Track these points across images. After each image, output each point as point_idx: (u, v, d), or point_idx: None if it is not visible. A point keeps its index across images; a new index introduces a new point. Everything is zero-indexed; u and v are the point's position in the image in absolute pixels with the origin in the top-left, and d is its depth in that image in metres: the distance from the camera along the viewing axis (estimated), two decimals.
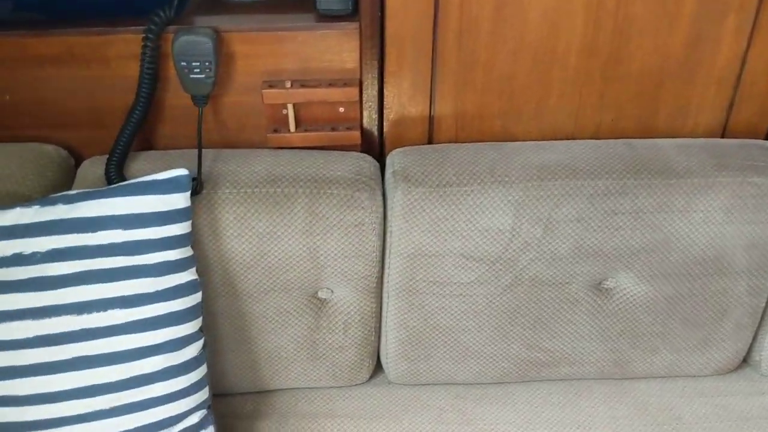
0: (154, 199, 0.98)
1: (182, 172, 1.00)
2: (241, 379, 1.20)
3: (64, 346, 0.94)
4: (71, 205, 0.96)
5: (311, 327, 1.16)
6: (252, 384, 1.21)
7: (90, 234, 0.95)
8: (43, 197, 0.97)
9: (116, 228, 0.96)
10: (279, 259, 1.09)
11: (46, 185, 1.09)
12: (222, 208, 1.06)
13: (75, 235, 0.95)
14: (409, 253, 1.10)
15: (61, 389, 0.95)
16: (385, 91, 1.14)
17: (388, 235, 1.11)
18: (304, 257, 1.09)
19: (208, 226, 1.06)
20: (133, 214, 0.97)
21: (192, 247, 1.03)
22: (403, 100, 1.15)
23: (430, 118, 1.17)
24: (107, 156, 1.08)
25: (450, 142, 1.20)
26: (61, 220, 0.95)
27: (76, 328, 0.94)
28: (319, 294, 1.14)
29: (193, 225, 1.05)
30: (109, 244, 0.96)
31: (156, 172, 1.06)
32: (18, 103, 1.12)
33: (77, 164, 1.16)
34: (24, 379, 0.94)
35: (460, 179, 1.10)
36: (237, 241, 1.07)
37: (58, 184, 1.11)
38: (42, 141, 1.16)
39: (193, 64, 1.05)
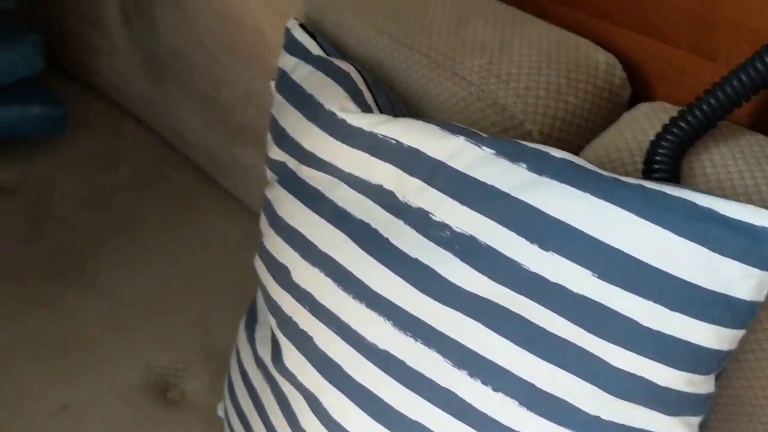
0: (690, 249, 0.42)
1: None
2: None
3: (419, 401, 0.52)
4: (540, 177, 0.48)
5: None
6: None
7: (537, 250, 0.47)
8: (506, 140, 0.51)
9: (586, 266, 0.45)
10: None
11: (556, 108, 0.62)
12: None
13: (516, 237, 0.48)
14: None
15: None
16: None
17: None
18: None
19: None
20: (629, 257, 0.44)
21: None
22: None
23: None
24: (679, 113, 0.54)
25: None
26: (508, 198, 0.49)
27: (446, 383, 0.50)
28: None
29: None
30: (558, 287, 0.46)
31: (742, 189, 0.50)
32: None
33: (634, 101, 0.65)
34: (350, 405, 0.56)
35: None
36: None
37: (579, 118, 0.63)
38: (601, 42, 0.67)
39: None
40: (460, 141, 0.52)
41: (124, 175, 1.07)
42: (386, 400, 0.53)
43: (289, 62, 0.69)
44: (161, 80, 1.02)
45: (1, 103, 1.01)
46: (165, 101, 1.04)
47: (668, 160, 0.52)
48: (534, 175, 0.48)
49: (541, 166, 0.48)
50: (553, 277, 0.46)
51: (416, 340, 0.51)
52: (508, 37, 0.65)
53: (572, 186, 0.47)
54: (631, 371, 0.45)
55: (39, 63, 1.04)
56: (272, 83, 0.72)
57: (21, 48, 1.01)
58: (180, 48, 0.95)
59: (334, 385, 0.57)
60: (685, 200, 0.44)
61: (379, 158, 0.56)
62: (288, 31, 0.72)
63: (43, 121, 1.05)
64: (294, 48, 0.70)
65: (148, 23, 0.98)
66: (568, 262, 0.46)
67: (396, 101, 0.65)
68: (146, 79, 1.05)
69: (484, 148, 0.51)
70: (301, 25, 0.72)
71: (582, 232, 0.45)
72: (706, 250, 0.42)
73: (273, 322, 0.64)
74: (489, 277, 0.48)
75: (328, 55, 0.68)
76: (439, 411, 0.51)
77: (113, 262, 0.94)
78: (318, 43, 0.70)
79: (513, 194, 0.48)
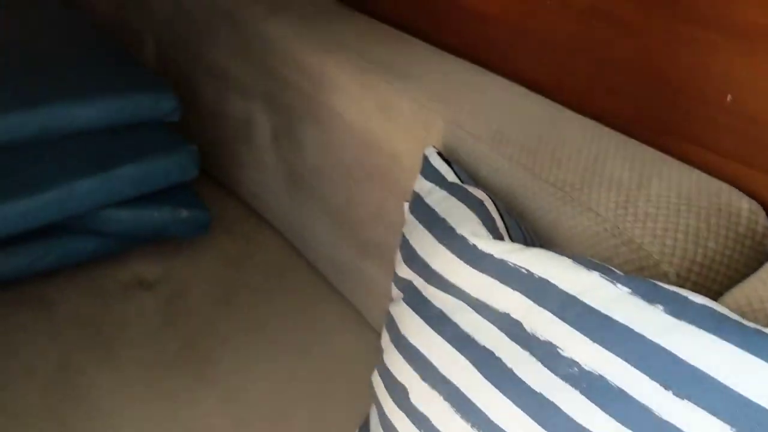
0: None
1: None
2: None
3: None
4: (678, 321, 0.47)
5: None
6: None
7: (671, 397, 0.45)
8: (642, 279, 0.50)
9: (724, 419, 0.43)
10: None
11: (695, 252, 0.60)
12: None
13: (649, 381, 0.46)
14: None
15: None
16: None
17: None
18: None
19: None
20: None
21: None
22: None
23: None
24: None
25: None
26: (643, 340, 0.47)
27: None
28: None
29: None
30: None
31: None
32: (745, 108, 0.65)
33: None
34: None
35: None
36: None
37: (719, 264, 0.61)
38: (743, 188, 0.65)
39: None
40: (593, 276, 0.52)
41: (254, 278, 1.12)
42: None
43: (424, 186, 0.72)
44: (299, 194, 1.08)
45: (155, 204, 1.10)
46: (300, 213, 1.10)
47: None
48: (671, 319, 0.47)
49: (679, 309, 0.47)
50: (687, 428, 0.44)
51: None
52: (646, 177, 0.65)
53: (712, 333, 0.45)
54: None
55: (193, 171, 1.13)
56: (406, 205, 0.75)
57: (179, 157, 1.11)
58: (320, 166, 1.02)
59: None
60: None
61: (508, 286, 0.56)
62: (425, 157, 0.75)
63: (189, 224, 1.13)
64: (430, 173, 0.73)
65: (295, 143, 1.05)
66: (705, 413, 0.43)
67: (527, 231, 0.66)
68: (286, 192, 1.11)
69: (619, 285, 0.50)
70: (438, 153, 0.75)
71: (721, 383, 0.43)
72: None
73: None
74: (618, 421, 0.46)
75: (462, 182, 0.71)
76: None
77: (235, 360, 0.97)
78: (453, 170, 0.73)
79: (648, 336, 0.47)
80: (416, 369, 0.61)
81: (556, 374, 0.50)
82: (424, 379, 0.60)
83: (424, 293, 0.65)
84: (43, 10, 1.41)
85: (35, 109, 1.06)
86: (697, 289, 0.61)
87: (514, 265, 0.56)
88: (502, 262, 0.57)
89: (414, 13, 1.04)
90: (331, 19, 1.06)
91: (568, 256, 0.54)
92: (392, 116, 0.87)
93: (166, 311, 1.04)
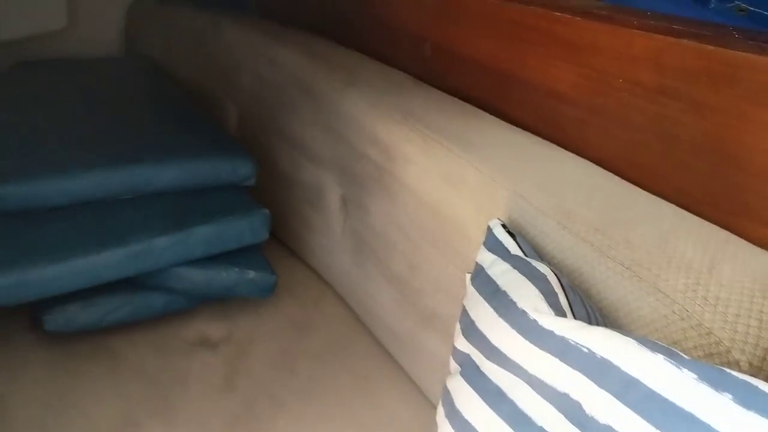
0: None
1: None
2: None
3: None
4: (747, 411, 0.44)
5: None
6: None
7: None
8: (709, 365, 0.48)
9: None
10: None
11: (765, 348, 0.57)
12: None
13: None
14: None
15: None
16: None
17: None
18: None
19: None
20: None
21: None
22: None
23: None
24: None
25: None
26: (709, 429, 0.45)
27: None
28: None
29: None
30: None
31: None
32: None
33: None
34: None
35: None
36: None
37: None
38: None
39: None
40: (658, 359, 0.50)
41: (314, 343, 1.12)
42: None
43: (486, 258, 0.72)
44: (363, 260, 1.09)
45: (224, 264, 1.13)
46: (363, 279, 1.11)
47: None
48: (740, 409, 0.44)
49: (750, 399, 0.44)
50: None
51: None
52: (717, 259, 0.63)
53: None
54: None
55: (264, 234, 1.16)
56: (467, 276, 0.74)
57: (252, 220, 1.14)
58: (386, 235, 1.02)
59: None
60: None
61: (568, 365, 0.54)
62: (489, 229, 0.75)
63: (256, 285, 1.15)
64: (493, 245, 0.73)
65: (362, 211, 1.07)
66: None
67: (592, 309, 0.64)
68: (351, 259, 1.13)
69: (685, 370, 0.48)
70: (503, 225, 0.75)
71: None
72: None
73: None
74: None
75: (526, 255, 0.70)
76: None
77: (290, 426, 0.96)
78: (517, 243, 0.72)
79: (714, 426, 0.44)
80: None
81: None
82: None
83: (481, 368, 0.64)
84: (133, 76, 1.50)
85: (121, 169, 1.11)
86: None
87: (576, 343, 0.55)
88: (563, 340, 0.56)
89: (484, 88, 1.06)
90: (403, 92, 1.08)
91: (632, 337, 0.52)
92: (458, 187, 0.87)
93: (227, 372, 1.05)
